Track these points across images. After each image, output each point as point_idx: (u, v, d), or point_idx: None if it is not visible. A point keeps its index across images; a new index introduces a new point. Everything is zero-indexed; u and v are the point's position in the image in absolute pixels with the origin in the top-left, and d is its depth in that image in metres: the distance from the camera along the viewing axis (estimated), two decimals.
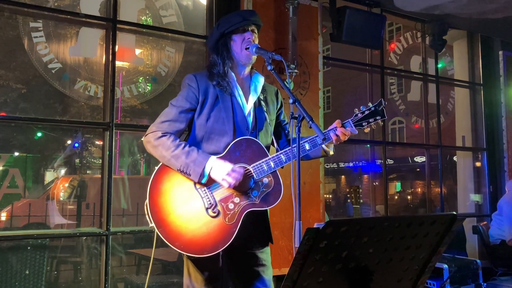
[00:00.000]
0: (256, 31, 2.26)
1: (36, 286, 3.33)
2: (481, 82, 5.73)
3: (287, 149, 2.15)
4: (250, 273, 2.19)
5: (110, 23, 3.54)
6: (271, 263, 2.28)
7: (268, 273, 2.23)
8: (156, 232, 2.01)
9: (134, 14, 3.86)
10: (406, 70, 5.85)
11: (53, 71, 3.56)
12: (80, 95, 3.75)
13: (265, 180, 2.12)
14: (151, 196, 2.05)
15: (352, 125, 2.21)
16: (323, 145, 2.19)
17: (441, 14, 4.86)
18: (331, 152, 2.27)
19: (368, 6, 4.57)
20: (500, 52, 5.71)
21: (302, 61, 4.03)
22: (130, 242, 6.01)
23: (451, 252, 4.43)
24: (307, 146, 2.17)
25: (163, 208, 2.05)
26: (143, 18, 3.97)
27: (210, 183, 2.08)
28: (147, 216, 2.04)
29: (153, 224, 2.02)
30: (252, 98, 2.26)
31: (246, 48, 2.20)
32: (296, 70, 3.88)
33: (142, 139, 2.26)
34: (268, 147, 2.25)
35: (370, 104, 2.26)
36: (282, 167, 2.14)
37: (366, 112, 2.23)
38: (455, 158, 6.77)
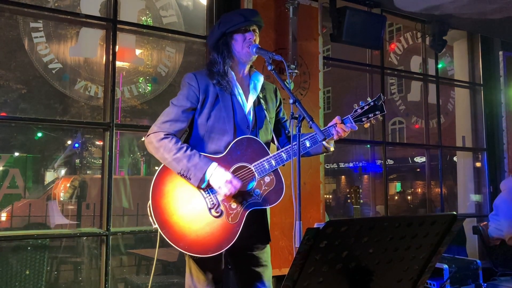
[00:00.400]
0: (257, 31, 2.26)
1: (36, 286, 3.33)
2: (481, 83, 5.72)
3: (287, 147, 2.15)
4: (251, 274, 2.20)
5: (111, 24, 3.54)
6: (271, 263, 2.28)
7: (268, 273, 2.23)
8: (160, 233, 2.02)
9: (134, 14, 3.86)
10: (406, 70, 5.85)
11: (54, 71, 3.56)
12: (80, 96, 3.75)
13: (267, 178, 2.12)
14: (153, 197, 2.05)
15: (352, 121, 2.22)
16: (324, 142, 2.20)
17: (441, 15, 4.86)
18: (332, 149, 2.28)
19: (368, 6, 4.57)
20: (500, 53, 5.71)
21: (302, 62, 4.03)
22: (130, 243, 6.02)
23: (451, 252, 4.43)
24: (307, 143, 2.18)
25: (166, 209, 2.05)
26: (143, 18, 3.97)
27: (210, 186, 2.08)
28: (150, 217, 2.04)
29: (156, 225, 2.02)
30: (252, 97, 2.26)
31: (247, 47, 2.20)
32: (296, 71, 3.88)
33: (143, 139, 2.26)
34: (268, 145, 2.25)
35: (369, 99, 2.26)
36: (283, 165, 2.14)
37: (366, 108, 2.24)
38: (455, 159, 6.77)
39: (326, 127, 2.22)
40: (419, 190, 18.66)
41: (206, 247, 2.01)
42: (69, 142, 10.79)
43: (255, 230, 2.17)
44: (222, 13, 3.63)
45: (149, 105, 4.58)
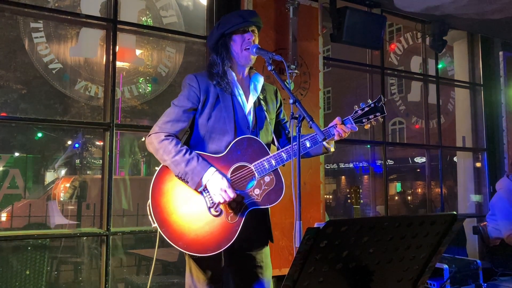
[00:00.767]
0: (256, 32, 2.27)
1: (36, 286, 3.33)
2: (481, 83, 5.72)
3: (287, 147, 2.16)
4: (248, 275, 2.20)
5: (111, 24, 3.55)
6: (272, 263, 2.28)
7: (267, 274, 2.23)
8: (159, 232, 2.02)
9: (134, 14, 3.86)
10: (406, 70, 5.85)
11: (54, 72, 3.56)
12: (80, 96, 3.75)
13: (267, 178, 2.13)
14: (153, 196, 2.06)
15: (352, 122, 2.24)
16: (324, 142, 2.21)
17: (441, 15, 4.86)
18: (332, 149, 2.29)
19: (368, 6, 4.57)
20: (500, 53, 5.71)
21: (302, 62, 4.03)
22: (130, 243, 6.02)
23: (451, 253, 4.42)
24: (308, 144, 2.19)
25: (166, 208, 2.05)
26: (143, 18, 3.97)
27: None
28: (149, 216, 2.05)
29: (156, 224, 2.03)
30: (252, 97, 2.27)
31: (246, 49, 2.21)
32: (296, 71, 3.88)
33: (143, 139, 2.27)
34: (268, 146, 2.26)
35: (369, 101, 2.29)
36: (283, 165, 2.14)
37: (366, 109, 2.26)
38: (455, 159, 6.77)
39: (326, 127, 2.22)
40: (419, 190, 18.66)
41: (206, 246, 2.01)
42: (69, 142, 10.79)
43: (255, 230, 2.18)
44: (222, 13, 3.64)
45: (149, 105, 4.57)
